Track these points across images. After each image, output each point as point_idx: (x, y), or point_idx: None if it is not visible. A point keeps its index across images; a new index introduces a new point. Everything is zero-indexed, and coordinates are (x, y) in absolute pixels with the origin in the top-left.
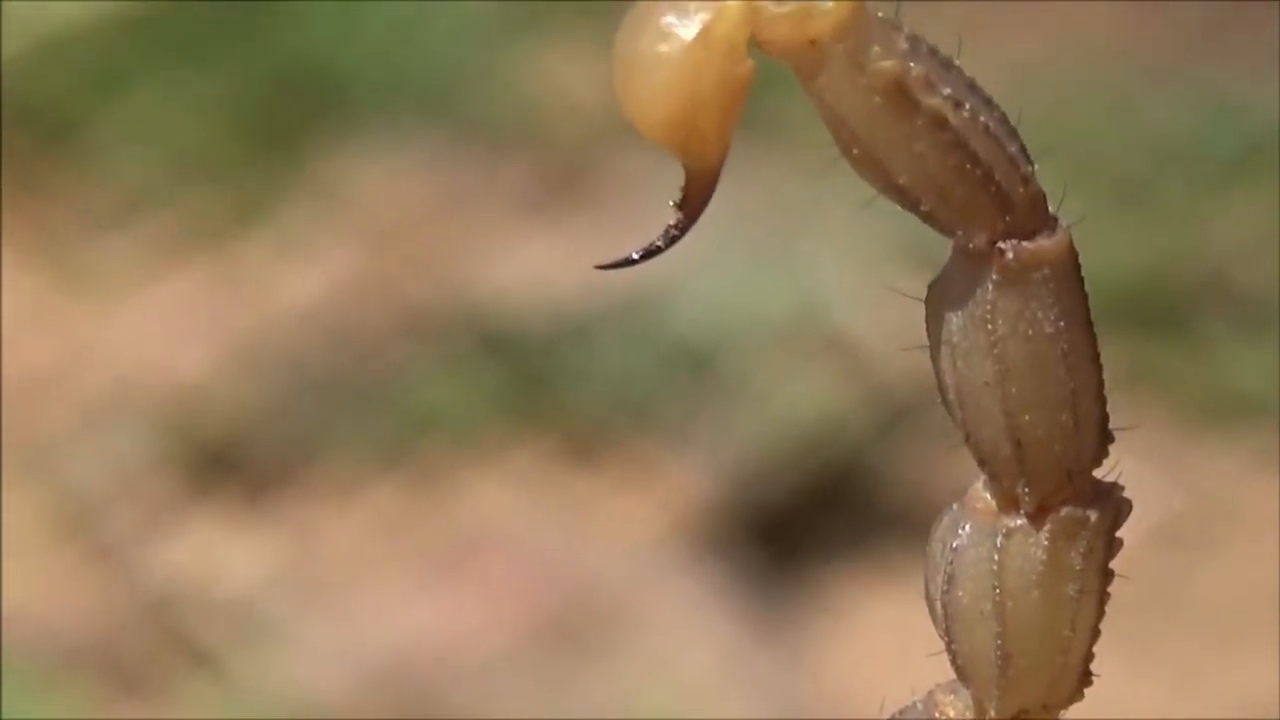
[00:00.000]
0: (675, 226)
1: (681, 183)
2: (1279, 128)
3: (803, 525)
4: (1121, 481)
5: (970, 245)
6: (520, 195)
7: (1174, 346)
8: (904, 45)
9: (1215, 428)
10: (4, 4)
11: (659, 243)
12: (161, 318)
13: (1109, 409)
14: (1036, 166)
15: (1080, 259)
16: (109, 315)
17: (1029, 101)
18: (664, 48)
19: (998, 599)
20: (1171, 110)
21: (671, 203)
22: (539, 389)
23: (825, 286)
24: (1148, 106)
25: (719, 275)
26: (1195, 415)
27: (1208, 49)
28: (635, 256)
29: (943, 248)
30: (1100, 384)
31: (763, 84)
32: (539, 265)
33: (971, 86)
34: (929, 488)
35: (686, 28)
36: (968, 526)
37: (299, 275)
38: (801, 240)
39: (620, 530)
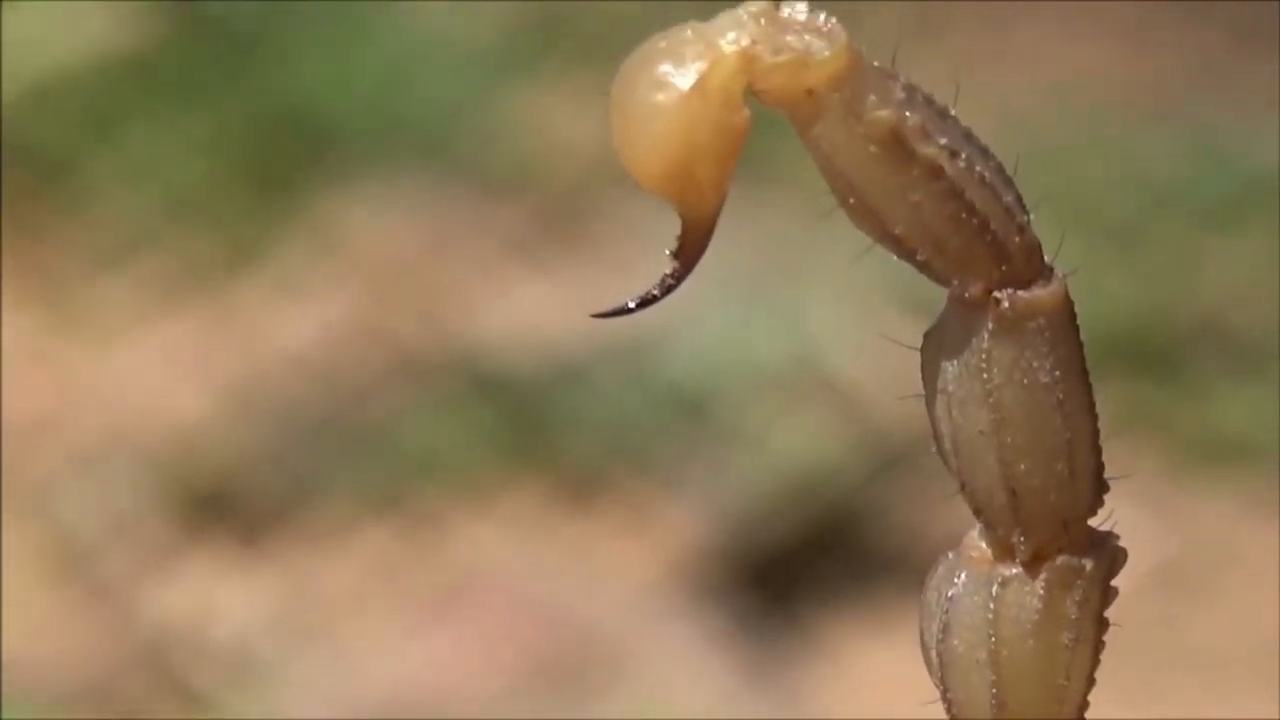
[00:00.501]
0: (671, 275)
1: (677, 231)
2: (1274, 170)
3: (798, 569)
4: (1116, 526)
5: (966, 294)
6: (515, 238)
7: (1169, 389)
8: (900, 94)
9: (1210, 471)
10: (1, 47)
11: (655, 291)
12: (157, 359)
13: (1104, 455)
14: (1032, 215)
15: (1076, 303)
16: (104, 357)
17: (1023, 145)
18: (660, 97)
19: (993, 647)
20: (1166, 152)
21: (667, 251)
22: (534, 432)
23: (820, 331)
24: (1142, 149)
25: (714, 319)
26: (1190, 459)
27: (1203, 91)
28: (631, 305)
29: (937, 293)
30: (1096, 433)
31: (758, 128)
32: (534, 308)
33: (967, 135)
34: (924, 532)
35: (683, 77)
36: (963, 575)
37: (294, 318)
38: (797, 285)
39: (615, 573)
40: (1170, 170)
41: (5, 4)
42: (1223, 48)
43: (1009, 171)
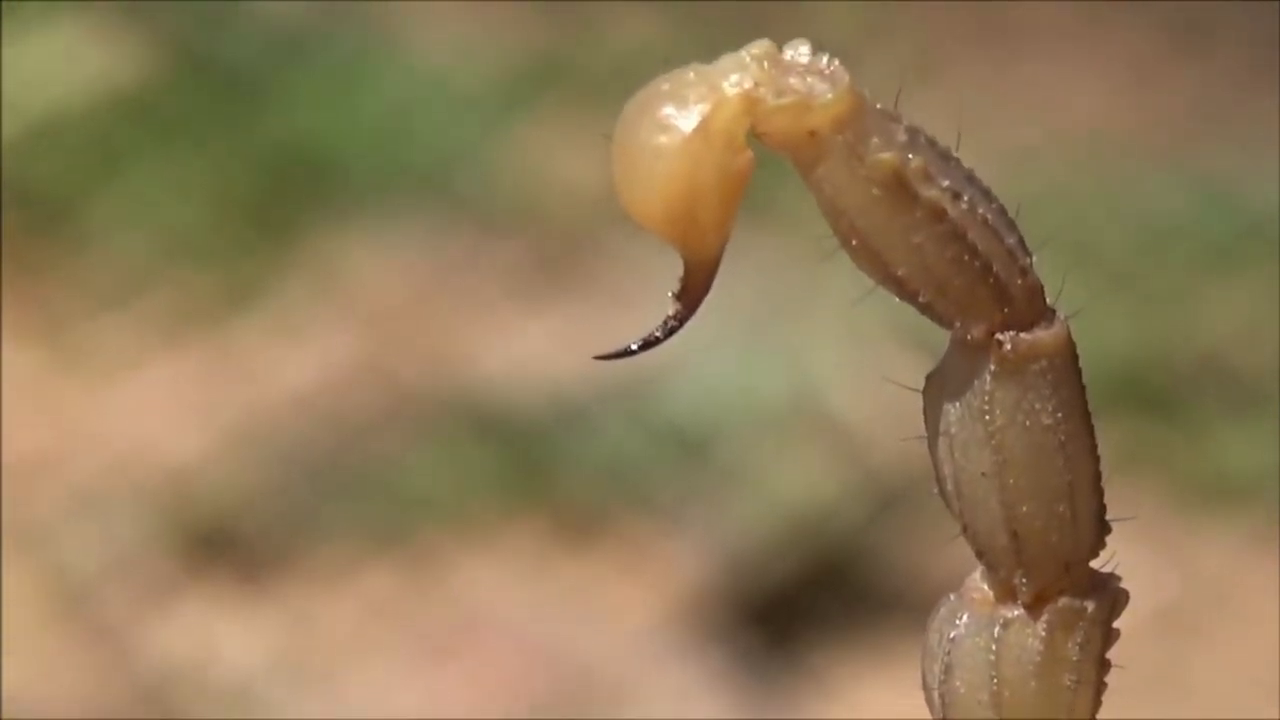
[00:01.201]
0: (674, 318)
1: (679, 273)
2: (1275, 211)
3: (799, 609)
4: (1117, 566)
5: (968, 336)
6: (516, 278)
7: (1169, 429)
8: (903, 136)
9: (1211, 510)
10: (2, 87)
11: (657, 334)
12: (157, 398)
13: (1105, 495)
14: (1034, 257)
15: (1077, 344)
16: (105, 395)
17: (1025, 185)
18: (663, 139)
19: (995, 689)
20: (1167, 193)
21: (670, 294)
22: (534, 472)
23: (821, 371)
24: (1143, 189)
25: (715, 359)
26: (1191, 498)
27: (1204, 132)
28: (634, 347)
29: (939, 333)
30: (1098, 475)
31: (759, 167)
32: (535, 348)
33: (970, 178)
34: (924, 572)
35: (685, 119)
36: (965, 617)
37: (294, 357)
38: (798, 324)
39: (616, 613)
40: (1171, 210)
41: (6, 42)
42: (1224, 89)
43: (1011, 213)
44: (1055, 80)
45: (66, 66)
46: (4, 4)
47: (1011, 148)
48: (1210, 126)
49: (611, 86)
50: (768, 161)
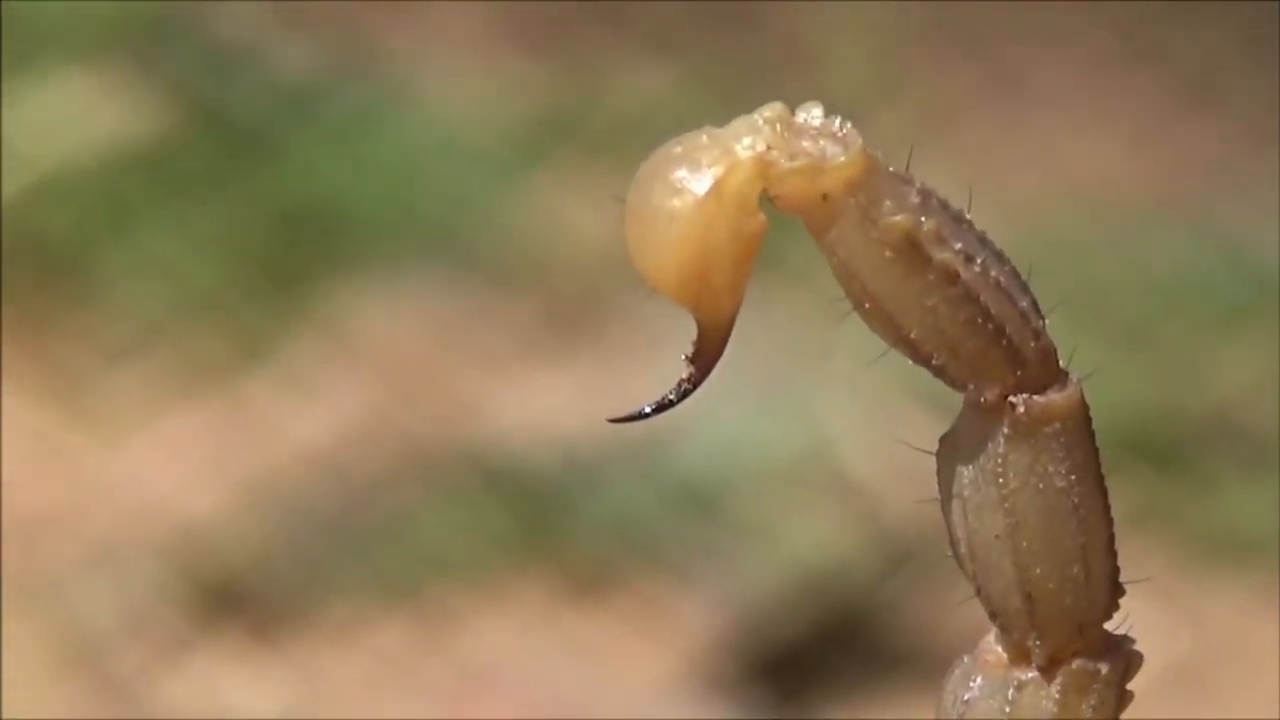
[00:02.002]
0: (687, 380)
1: (693, 336)
2: None
3: (810, 666)
4: (1129, 624)
5: (982, 399)
6: (527, 334)
7: (1179, 486)
8: (916, 199)
9: (1221, 567)
10: (8, 140)
11: (671, 396)
12: (168, 454)
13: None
14: (1047, 320)
15: (1089, 400)
16: (116, 451)
17: (1034, 242)
18: (676, 202)
19: None
20: (1177, 250)
21: (683, 356)
22: (545, 527)
23: (833, 427)
24: (1153, 246)
25: (728, 415)
26: (1201, 555)
27: (1214, 189)
28: (647, 410)
29: (952, 391)
30: (1111, 537)
31: (773, 224)
32: (546, 404)
33: (983, 240)
34: (937, 630)
35: (699, 182)
36: (979, 679)
37: (305, 412)
38: (810, 381)
39: (627, 669)
40: (1182, 267)
41: (19, 96)
42: (1235, 146)
43: (1023, 275)
44: (1066, 137)
45: (78, 120)
46: (14, 56)
47: (1022, 204)
48: (1221, 183)
49: (623, 142)
50: (781, 219)
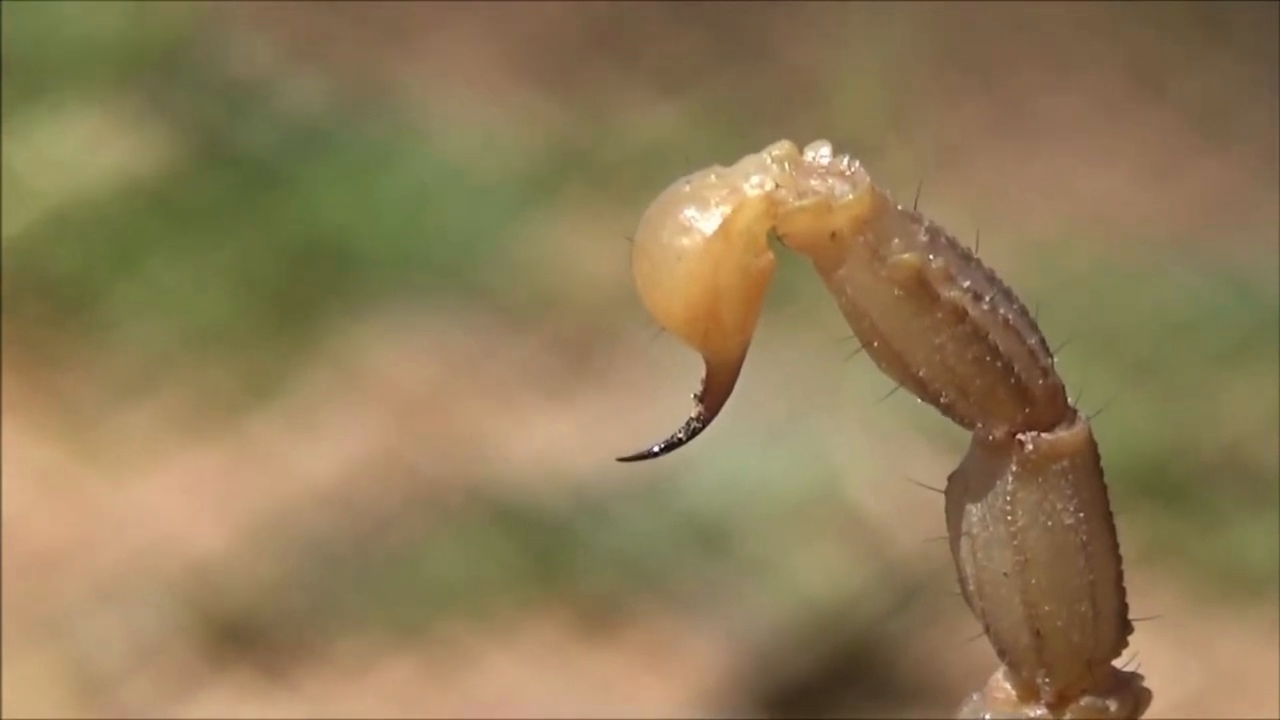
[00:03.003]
0: (696, 419)
1: (702, 374)
2: None
3: (819, 702)
4: (1138, 661)
5: (990, 437)
6: (536, 369)
7: (1189, 522)
8: (924, 237)
9: (1230, 604)
10: (18, 174)
11: (680, 435)
12: (178, 490)
13: (1126, 587)
14: (1056, 356)
15: (1097, 435)
16: (125, 487)
17: (1044, 276)
18: (685, 241)
19: None
20: (1187, 285)
21: (692, 395)
22: (554, 563)
23: (842, 464)
24: (1163, 281)
25: (737, 452)
26: (1210, 591)
27: (1223, 225)
28: (656, 449)
29: (961, 428)
30: (1120, 575)
31: (783, 260)
32: (555, 440)
33: (991, 278)
34: (946, 666)
35: (707, 221)
36: (988, 716)
37: (314, 450)
38: (819, 417)
39: (636, 705)
40: (1192, 302)
41: (23, 130)
42: (1244, 180)
43: (1032, 312)
44: (1076, 172)
45: (88, 154)
46: (23, 89)
47: (1032, 239)
48: (1231, 218)
49: (633, 178)
50: (791, 256)
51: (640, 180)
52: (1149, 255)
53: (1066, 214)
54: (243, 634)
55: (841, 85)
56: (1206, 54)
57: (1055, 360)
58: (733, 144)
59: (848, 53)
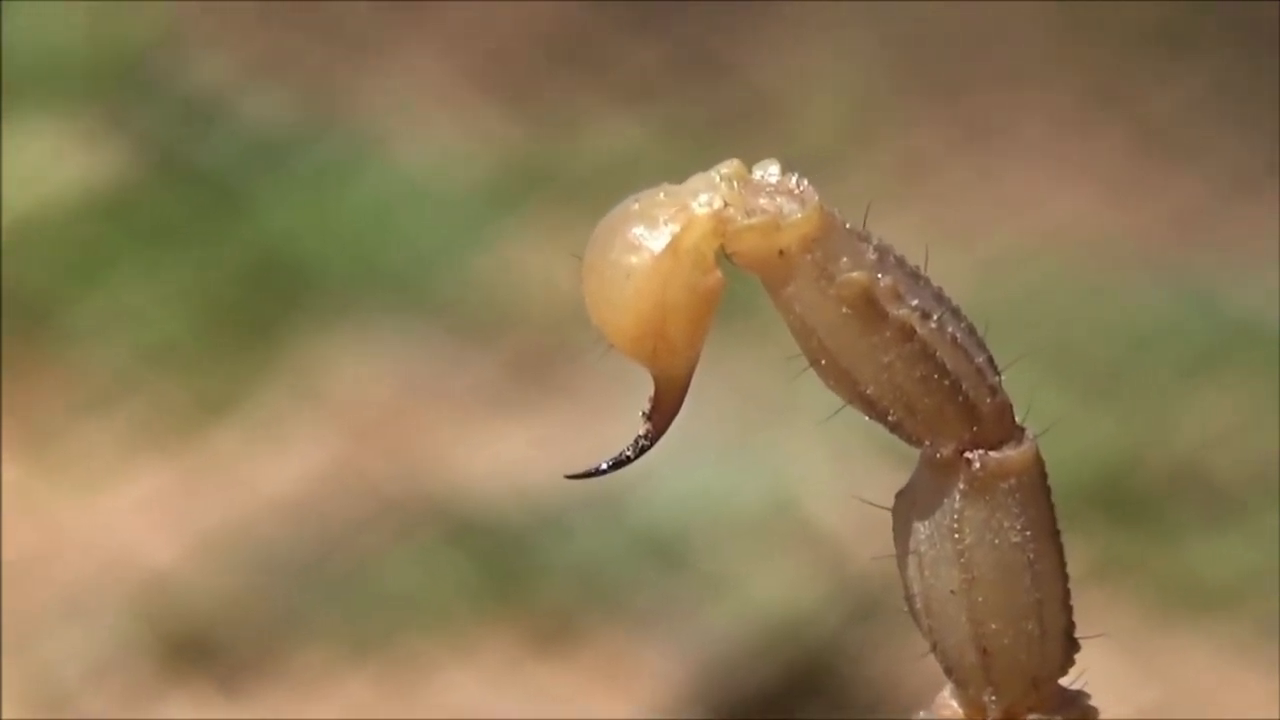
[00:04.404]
0: (645, 436)
1: (650, 392)
2: (1256, 317)
3: (775, 716)
4: (1093, 675)
5: (938, 455)
6: (494, 384)
7: (1146, 536)
8: (872, 255)
9: (1186, 619)
10: None
11: (628, 453)
12: (137, 504)
13: (1080, 603)
14: (1014, 371)
15: (1054, 450)
16: (85, 502)
17: (1006, 292)
18: (633, 259)
19: None
20: (1149, 299)
21: (641, 413)
22: (511, 578)
23: (799, 478)
24: (1124, 296)
25: (692, 466)
26: (1168, 606)
27: (1185, 239)
28: (605, 466)
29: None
30: (1067, 593)
31: (740, 274)
32: (513, 454)
33: (939, 297)
34: (901, 680)
35: (656, 239)
36: None
37: (273, 463)
38: (775, 432)
39: (594, 719)
40: (1152, 316)
41: None
42: (1206, 195)
43: (980, 330)
44: (1037, 187)
45: (48, 170)
46: None
47: (993, 255)
48: (1192, 233)
49: (594, 193)
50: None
51: (601, 195)
52: (1110, 270)
53: (1028, 230)
54: (201, 647)
55: (803, 101)
56: (1168, 70)
57: (1003, 379)
58: (694, 159)
59: (809, 68)
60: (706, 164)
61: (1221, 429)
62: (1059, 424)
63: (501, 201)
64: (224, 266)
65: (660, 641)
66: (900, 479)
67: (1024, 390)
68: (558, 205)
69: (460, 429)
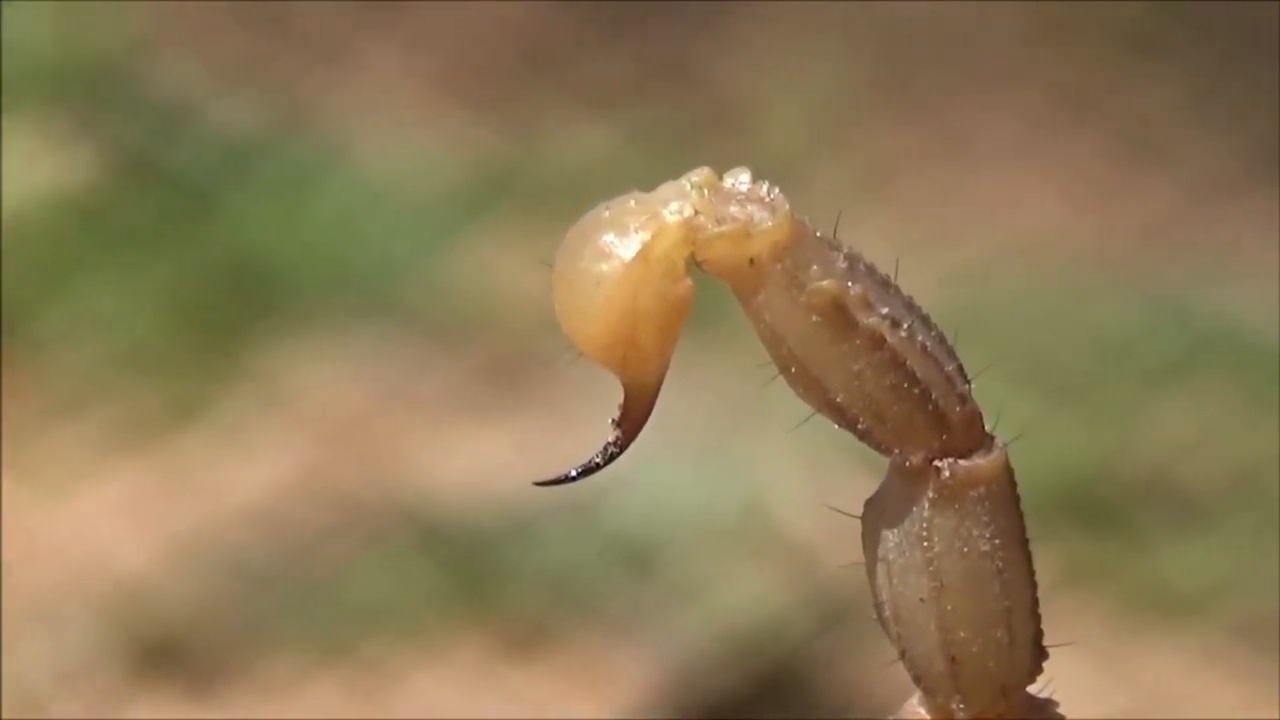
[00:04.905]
0: (614, 443)
1: (619, 399)
2: (1224, 326)
3: None
4: (1063, 683)
5: (907, 463)
6: (463, 391)
7: (1116, 544)
8: (842, 264)
9: (1156, 626)
10: None
11: (597, 460)
12: (106, 510)
13: (1050, 610)
14: (982, 380)
15: (1024, 458)
16: (53, 507)
17: (976, 299)
18: (603, 266)
19: None
20: (1119, 308)
21: (610, 420)
22: (481, 584)
23: (770, 485)
24: (1095, 304)
25: (664, 473)
26: (1136, 614)
27: (1155, 248)
28: (573, 474)
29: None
30: (1035, 601)
31: (711, 280)
32: (482, 461)
33: (909, 305)
34: (871, 687)
35: (626, 247)
36: None
37: (242, 470)
38: (747, 439)
39: None
40: (1123, 324)
41: None
42: (1176, 203)
43: (950, 339)
44: (1007, 194)
45: (16, 175)
46: None
47: (962, 263)
48: (1162, 241)
49: (562, 199)
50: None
51: (570, 202)
52: (1080, 277)
53: (998, 237)
54: (171, 652)
55: (772, 108)
56: (1137, 78)
57: (973, 387)
58: (663, 166)
59: (778, 76)
60: (677, 171)
61: (1191, 436)
62: (1029, 432)
63: (471, 207)
64: (194, 271)
65: (632, 647)
66: (871, 486)
67: (994, 398)
68: (528, 211)
69: (430, 435)
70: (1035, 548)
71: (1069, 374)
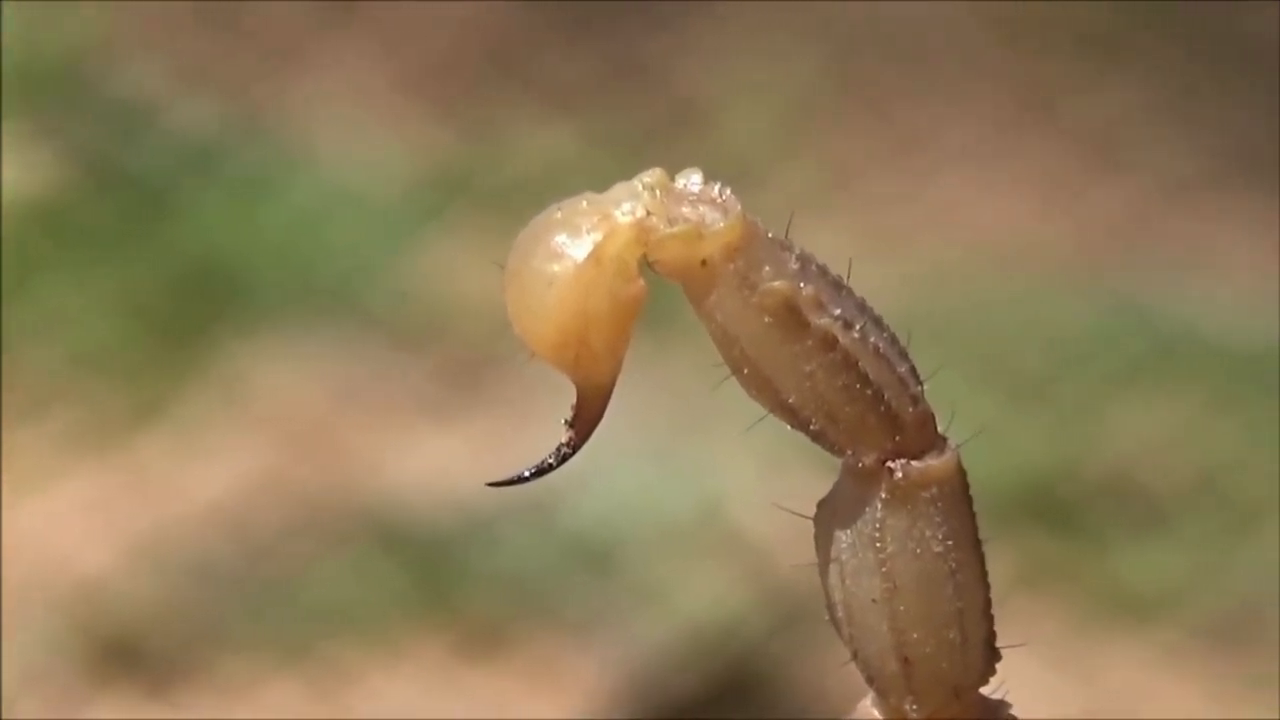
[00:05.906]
0: (567, 444)
1: (572, 400)
2: (1186, 327)
3: None
4: (1021, 681)
5: (859, 464)
6: (423, 392)
7: (1075, 545)
8: (795, 265)
9: (1114, 627)
10: None
11: (550, 461)
12: (67, 511)
13: (1009, 611)
14: (939, 380)
15: (984, 458)
16: (15, 508)
17: (937, 302)
18: (555, 267)
19: None
20: (1080, 310)
21: (563, 421)
22: (441, 585)
23: (727, 486)
24: (1056, 306)
25: (622, 473)
26: (1095, 615)
27: (1116, 251)
28: (526, 474)
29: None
30: (988, 602)
31: (661, 282)
32: (442, 462)
33: (862, 307)
34: (828, 687)
35: (578, 247)
36: None
37: (201, 471)
38: (704, 440)
39: None
40: (1083, 327)
41: None
42: (1138, 206)
43: (903, 340)
44: (969, 196)
45: None
46: None
47: (924, 262)
48: (1123, 244)
49: (522, 201)
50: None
51: (530, 203)
52: (1041, 280)
53: (957, 239)
54: (131, 653)
55: (733, 110)
56: (1100, 80)
57: (927, 388)
58: (623, 167)
59: (740, 77)
60: (635, 172)
61: (1152, 438)
62: (989, 432)
63: (430, 209)
64: (154, 273)
65: (590, 647)
66: (827, 487)
67: (954, 399)
68: (486, 213)
69: (390, 436)
70: (994, 548)
71: (1031, 375)
